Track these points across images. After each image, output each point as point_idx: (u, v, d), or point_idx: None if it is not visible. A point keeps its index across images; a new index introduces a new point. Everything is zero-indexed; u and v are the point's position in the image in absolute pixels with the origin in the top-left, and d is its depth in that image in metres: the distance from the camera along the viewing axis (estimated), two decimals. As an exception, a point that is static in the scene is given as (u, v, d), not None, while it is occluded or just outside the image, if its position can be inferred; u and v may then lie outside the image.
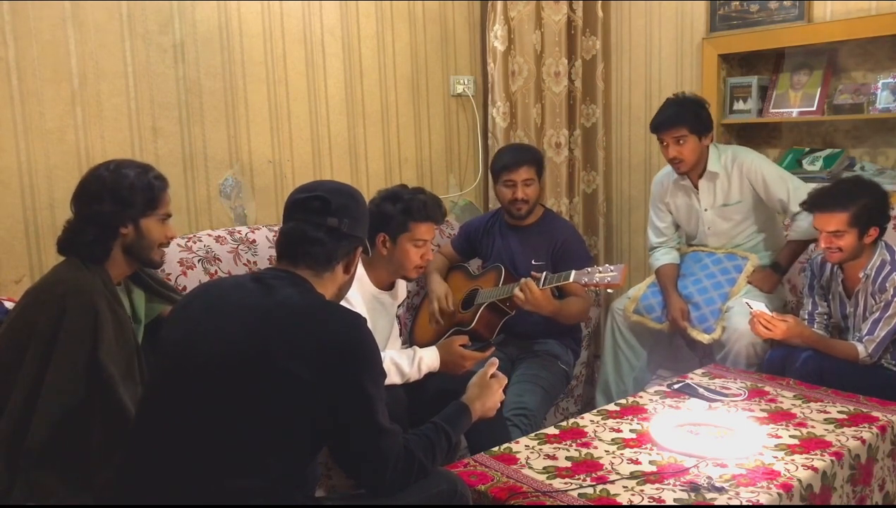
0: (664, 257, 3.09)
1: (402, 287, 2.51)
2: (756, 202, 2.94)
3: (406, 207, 2.31)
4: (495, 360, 1.94)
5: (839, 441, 1.96)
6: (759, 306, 2.51)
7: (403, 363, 2.26)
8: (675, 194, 3.07)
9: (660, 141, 2.89)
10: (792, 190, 2.82)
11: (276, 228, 2.74)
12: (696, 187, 2.98)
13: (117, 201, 1.81)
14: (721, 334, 2.80)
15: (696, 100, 2.93)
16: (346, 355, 1.45)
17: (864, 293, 2.50)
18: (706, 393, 2.30)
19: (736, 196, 2.93)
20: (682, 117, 2.83)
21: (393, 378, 2.23)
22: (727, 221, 2.98)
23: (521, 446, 2.01)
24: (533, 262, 2.79)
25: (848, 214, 2.38)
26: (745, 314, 2.61)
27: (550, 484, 1.78)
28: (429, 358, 2.30)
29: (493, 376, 1.90)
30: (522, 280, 2.53)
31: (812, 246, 2.87)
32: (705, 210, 2.99)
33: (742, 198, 2.93)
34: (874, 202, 2.42)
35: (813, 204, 2.47)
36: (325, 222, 1.58)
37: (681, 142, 2.83)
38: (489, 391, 1.86)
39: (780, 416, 2.13)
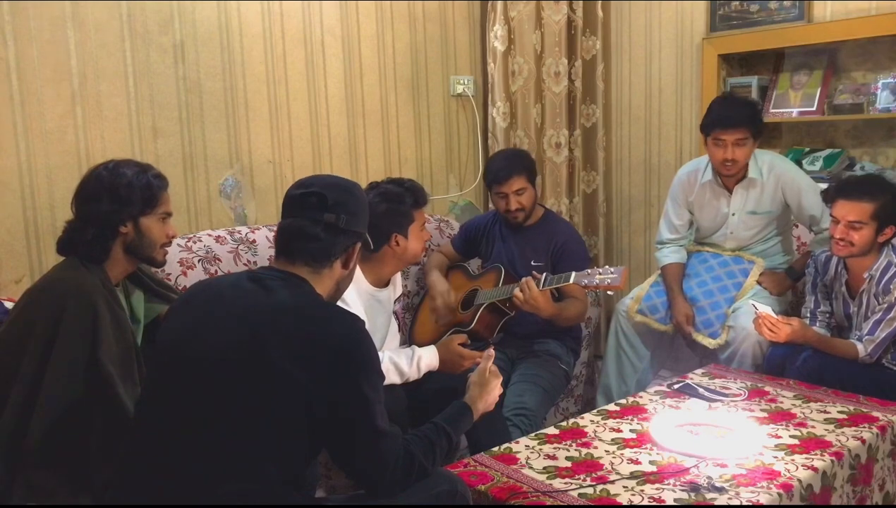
0: (672, 255, 3.05)
1: (398, 281, 2.52)
2: (782, 211, 2.92)
3: (414, 200, 2.38)
4: (491, 352, 1.93)
5: (839, 441, 1.96)
6: (766, 309, 2.50)
7: (402, 362, 2.26)
8: (701, 194, 2.99)
9: (715, 139, 2.77)
10: (824, 206, 2.79)
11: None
12: (730, 191, 2.93)
13: (115, 200, 1.82)
14: (726, 338, 2.79)
15: (755, 102, 2.87)
16: (344, 358, 1.45)
17: (867, 294, 2.50)
18: (706, 393, 2.30)
19: (767, 205, 2.89)
20: (749, 119, 2.74)
21: (392, 377, 2.23)
22: (752, 228, 2.95)
23: (521, 446, 2.00)
24: (532, 263, 2.79)
25: (874, 205, 2.37)
26: (752, 314, 2.60)
27: (550, 484, 1.78)
28: (427, 357, 2.30)
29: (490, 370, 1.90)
30: (522, 279, 2.53)
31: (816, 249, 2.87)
32: (733, 214, 2.95)
33: (772, 208, 2.89)
34: (894, 198, 2.40)
35: (839, 190, 2.44)
36: (322, 218, 1.57)
37: (741, 144, 2.75)
38: (489, 388, 1.86)
39: (780, 416, 2.13)
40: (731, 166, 2.80)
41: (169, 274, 2.43)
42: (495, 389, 1.88)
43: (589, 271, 2.46)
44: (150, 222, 1.87)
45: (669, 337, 3.08)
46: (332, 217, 1.57)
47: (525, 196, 2.79)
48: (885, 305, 2.42)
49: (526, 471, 1.85)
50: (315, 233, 1.57)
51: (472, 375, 1.89)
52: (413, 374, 2.28)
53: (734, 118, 2.74)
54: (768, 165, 2.87)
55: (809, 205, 2.82)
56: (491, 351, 1.94)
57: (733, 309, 2.83)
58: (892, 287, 2.41)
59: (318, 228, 1.57)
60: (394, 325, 2.52)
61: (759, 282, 2.88)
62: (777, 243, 3.01)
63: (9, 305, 1.98)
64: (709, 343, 2.83)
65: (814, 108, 3.21)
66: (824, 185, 2.75)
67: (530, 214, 2.86)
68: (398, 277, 2.53)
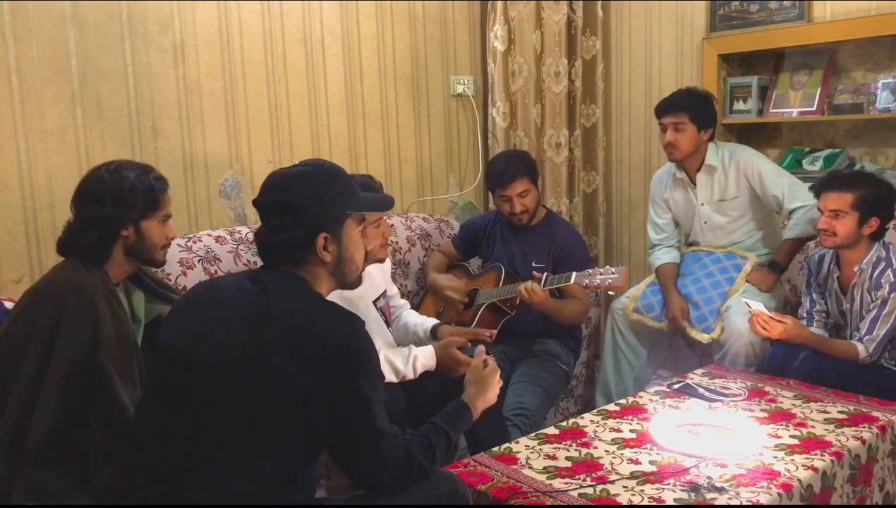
0: (665, 256, 3.09)
1: (374, 278, 2.46)
2: (753, 198, 2.95)
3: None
4: (482, 348, 1.92)
5: (839, 441, 1.96)
6: (758, 306, 2.51)
7: (398, 361, 2.24)
8: (673, 189, 3.08)
9: (660, 126, 2.92)
10: (787, 187, 2.83)
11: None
12: (694, 182, 2.99)
13: (118, 203, 1.81)
14: (720, 334, 2.80)
15: (705, 94, 2.96)
16: (344, 358, 1.45)
17: (859, 288, 2.51)
18: (706, 393, 2.30)
19: (733, 191, 2.94)
20: (685, 104, 2.86)
21: (388, 376, 2.21)
22: (724, 216, 2.99)
23: (521, 446, 2.00)
24: (534, 264, 2.78)
25: (853, 196, 2.42)
26: (744, 313, 2.61)
27: (550, 484, 1.78)
28: (424, 357, 2.27)
29: (485, 364, 1.88)
30: (528, 282, 2.53)
31: (812, 243, 2.88)
32: (702, 204, 3.00)
33: (739, 194, 2.94)
34: (881, 193, 2.45)
35: (823, 184, 2.52)
36: (268, 223, 1.56)
37: (679, 128, 2.85)
38: (486, 384, 1.85)
39: (780, 416, 2.13)
40: (673, 151, 2.91)
41: (169, 274, 2.43)
42: (494, 385, 1.86)
43: (589, 271, 2.47)
44: (150, 225, 1.87)
45: (666, 336, 3.09)
46: (276, 220, 1.54)
47: (528, 197, 2.79)
48: (879, 301, 2.44)
49: (526, 471, 1.85)
50: (267, 239, 1.56)
51: (468, 373, 1.88)
52: (409, 373, 2.26)
53: (672, 103, 2.88)
54: (728, 153, 2.96)
55: (772, 187, 2.86)
56: (482, 348, 1.93)
57: (726, 307, 2.84)
58: (882, 281, 2.43)
59: (268, 234, 1.55)
60: (379, 323, 2.43)
61: (747, 281, 2.89)
62: (760, 238, 3.03)
63: (9, 305, 1.98)
64: (702, 338, 2.84)
65: (814, 108, 3.21)
66: (814, 183, 2.76)
67: (534, 215, 2.86)
68: (374, 273, 2.46)
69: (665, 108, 2.89)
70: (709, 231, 3.04)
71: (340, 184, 1.63)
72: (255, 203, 1.58)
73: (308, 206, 1.54)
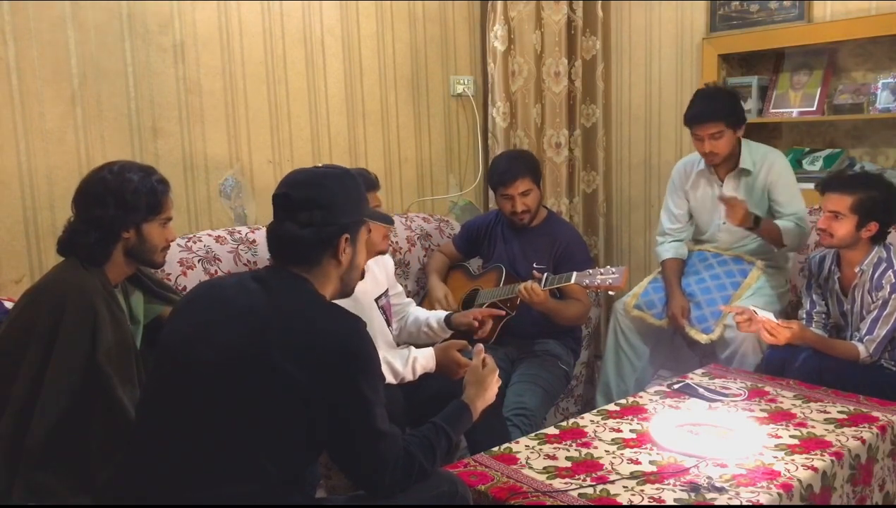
0: (672, 250, 3.07)
1: (378, 276, 2.45)
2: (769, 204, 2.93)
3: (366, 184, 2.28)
4: (480, 347, 1.92)
5: (839, 441, 1.96)
6: (768, 314, 2.51)
7: (397, 363, 2.24)
8: (696, 184, 3.03)
9: (693, 134, 2.85)
10: (789, 213, 2.83)
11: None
12: (722, 180, 2.96)
13: (121, 206, 1.81)
14: (720, 334, 2.79)
15: (730, 92, 2.92)
16: (344, 359, 1.45)
17: (860, 289, 2.51)
18: (706, 393, 2.30)
19: (757, 195, 2.91)
20: (719, 112, 2.78)
21: (387, 377, 2.21)
22: None
23: (521, 446, 2.00)
24: (535, 265, 2.78)
25: (852, 199, 2.42)
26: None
27: (550, 484, 1.78)
28: (423, 359, 2.26)
29: (483, 364, 1.88)
30: (528, 282, 2.53)
31: (812, 244, 2.88)
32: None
33: (762, 198, 2.91)
34: (882, 197, 2.44)
35: (826, 184, 2.52)
36: (294, 218, 1.54)
37: (717, 137, 2.80)
38: (485, 384, 1.84)
39: (780, 416, 2.13)
40: (712, 158, 2.87)
41: (169, 274, 2.43)
42: (493, 384, 1.86)
43: (590, 271, 2.47)
44: (151, 227, 1.87)
45: (668, 335, 3.08)
46: (306, 215, 1.53)
47: (530, 197, 2.78)
48: (879, 302, 2.44)
49: (526, 471, 1.85)
50: (292, 234, 1.54)
51: (467, 374, 1.88)
52: (408, 375, 2.25)
53: (707, 113, 2.79)
54: (762, 156, 2.91)
55: (781, 204, 2.85)
56: (480, 346, 1.93)
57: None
58: (883, 282, 2.43)
59: (294, 229, 1.53)
60: (380, 322, 2.42)
61: (724, 200, 2.84)
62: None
63: (9, 305, 1.98)
64: (700, 338, 2.84)
65: (814, 108, 3.21)
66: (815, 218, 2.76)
67: (535, 215, 2.85)
68: (377, 271, 2.45)
69: (698, 119, 2.80)
70: (726, 231, 3.00)
71: (361, 190, 1.66)
72: (286, 197, 1.55)
73: (340, 205, 1.56)
